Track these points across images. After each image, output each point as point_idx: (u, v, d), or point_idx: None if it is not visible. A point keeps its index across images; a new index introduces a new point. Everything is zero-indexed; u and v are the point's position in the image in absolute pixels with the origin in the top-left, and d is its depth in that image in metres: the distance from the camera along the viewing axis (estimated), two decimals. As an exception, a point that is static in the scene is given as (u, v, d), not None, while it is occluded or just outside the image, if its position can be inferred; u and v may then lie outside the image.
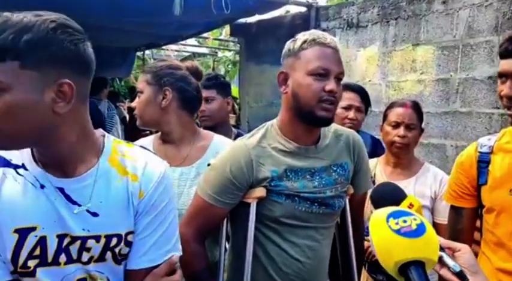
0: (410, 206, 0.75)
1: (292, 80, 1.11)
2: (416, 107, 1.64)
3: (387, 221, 0.66)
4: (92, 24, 3.65)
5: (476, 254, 1.23)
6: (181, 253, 0.87)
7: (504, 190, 1.13)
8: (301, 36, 1.12)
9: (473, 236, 1.27)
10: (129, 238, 0.80)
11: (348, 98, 1.78)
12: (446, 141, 2.77)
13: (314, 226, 1.15)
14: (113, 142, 0.84)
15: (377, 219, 0.68)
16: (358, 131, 1.94)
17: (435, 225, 1.55)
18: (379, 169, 1.68)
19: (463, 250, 0.70)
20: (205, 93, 1.72)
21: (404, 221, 0.65)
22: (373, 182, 1.65)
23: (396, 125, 1.59)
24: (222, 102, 1.92)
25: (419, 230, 0.65)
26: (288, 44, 1.14)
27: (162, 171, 0.84)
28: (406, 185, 1.60)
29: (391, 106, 1.67)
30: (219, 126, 1.85)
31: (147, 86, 1.30)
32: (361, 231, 1.33)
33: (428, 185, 1.58)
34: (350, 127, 1.77)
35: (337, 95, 1.08)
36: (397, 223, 0.65)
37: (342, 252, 1.30)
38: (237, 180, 1.10)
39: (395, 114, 1.61)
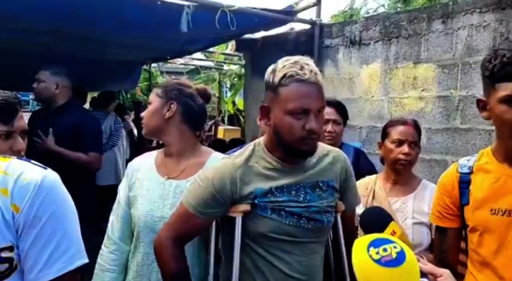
0: (393, 233, 0.78)
1: (273, 116, 1.12)
2: (416, 125, 1.68)
3: (368, 250, 0.69)
4: (99, 38, 3.78)
5: (462, 276, 1.26)
6: (87, 261, 0.85)
7: (485, 210, 1.16)
8: (281, 68, 1.09)
9: (458, 256, 1.29)
10: (5, 254, 0.77)
11: (325, 112, 1.82)
12: (447, 157, 2.81)
13: (304, 242, 1.17)
14: None
15: (358, 249, 0.70)
16: (342, 144, 2.00)
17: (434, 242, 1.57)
18: (378, 186, 1.71)
19: (445, 275, 0.73)
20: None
21: (385, 250, 0.68)
22: (373, 198, 1.69)
23: (400, 143, 1.61)
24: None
25: (399, 259, 0.67)
26: (268, 74, 1.12)
27: (38, 180, 0.79)
28: (405, 201, 1.64)
29: (391, 124, 1.70)
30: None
31: (157, 98, 1.41)
32: None
33: (427, 202, 1.61)
34: (329, 140, 1.84)
35: (318, 130, 1.09)
36: (377, 253, 0.68)
37: (336, 268, 1.32)
38: (220, 195, 1.14)
39: (399, 132, 1.63)
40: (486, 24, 2.54)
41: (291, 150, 1.13)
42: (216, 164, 1.23)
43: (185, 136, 1.40)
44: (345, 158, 1.28)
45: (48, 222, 0.79)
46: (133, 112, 6.24)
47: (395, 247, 0.69)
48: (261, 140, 1.22)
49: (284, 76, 1.07)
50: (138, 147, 4.57)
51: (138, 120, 5.57)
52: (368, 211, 0.97)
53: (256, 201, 1.14)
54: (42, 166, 0.84)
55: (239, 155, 1.20)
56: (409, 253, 0.69)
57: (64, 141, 2.51)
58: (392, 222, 0.85)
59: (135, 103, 6.35)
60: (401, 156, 1.61)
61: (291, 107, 1.07)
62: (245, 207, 1.14)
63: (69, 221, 0.82)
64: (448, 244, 1.28)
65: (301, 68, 1.08)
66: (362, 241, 0.71)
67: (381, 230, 0.80)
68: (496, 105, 1.09)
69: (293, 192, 1.16)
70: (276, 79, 1.09)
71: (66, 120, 2.55)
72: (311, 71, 1.08)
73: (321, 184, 1.19)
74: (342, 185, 1.26)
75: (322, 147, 1.26)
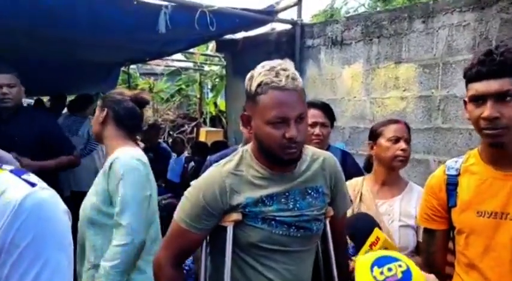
0: (377, 239, 0.75)
1: (254, 125, 1.10)
2: (407, 124, 1.70)
3: (371, 271, 0.65)
4: (76, 39, 3.66)
5: (450, 277, 1.25)
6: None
7: (472, 212, 1.16)
8: (257, 76, 1.06)
9: (446, 258, 1.29)
10: None
11: (312, 115, 1.82)
12: (429, 156, 2.82)
13: (293, 250, 1.15)
14: None
15: (361, 270, 0.67)
16: (329, 146, 1.99)
17: (419, 245, 1.56)
18: (365, 188, 1.68)
19: (431, 279, 0.70)
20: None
21: (389, 269, 0.65)
22: (360, 200, 1.66)
23: (397, 140, 1.62)
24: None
25: (406, 278, 0.64)
26: (246, 82, 1.10)
27: (17, 201, 0.69)
28: (392, 204, 1.62)
29: (383, 124, 1.70)
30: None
31: (98, 107, 1.67)
32: (344, 252, 1.33)
33: (413, 205, 1.59)
34: (317, 143, 1.82)
35: (298, 138, 1.05)
36: (381, 273, 0.64)
37: (325, 274, 1.30)
38: (211, 207, 1.11)
39: (393, 130, 1.63)
40: (466, 24, 2.56)
41: (274, 158, 1.10)
42: (204, 174, 1.19)
43: (116, 137, 1.61)
44: (335, 162, 1.26)
45: (27, 250, 0.68)
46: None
47: (400, 266, 0.66)
48: (248, 147, 1.19)
49: (260, 84, 1.05)
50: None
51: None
52: (352, 219, 0.95)
53: (247, 210, 1.11)
54: (32, 182, 0.73)
55: (227, 163, 1.17)
56: (415, 271, 0.65)
57: (27, 148, 2.30)
58: (376, 229, 0.81)
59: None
60: (399, 152, 1.61)
61: (268, 117, 1.04)
62: (237, 216, 1.12)
63: (53, 249, 0.71)
64: (435, 245, 1.27)
65: (277, 74, 1.04)
66: (365, 261, 0.67)
67: (366, 237, 0.76)
68: (468, 104, 1.13)
69: (282, 200, 1.13)
70: (253, 87, 1.07)
71: (31, 128, 2.38)
72: (287, 76, 1.04)
73: (309, 191, 1.17)
74: (332, 190, 1.24)
75: (313, 151, 1.24)
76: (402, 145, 1.61)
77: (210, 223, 1.13)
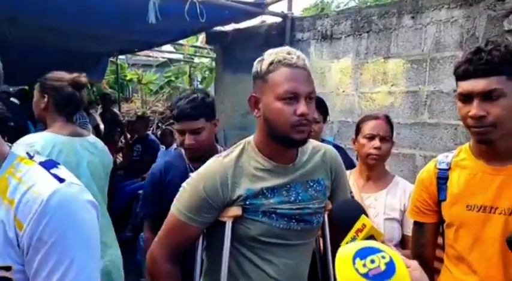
0: (363, 226, 0.75)
1: (263, 105, 1.08)
2: (388, 120, 1.70)
3: (353, 263, 0.62)
4: (64, 29, 3.59)
5: (438, 271, 1.27)
6: None
7: (461, 206, 1.18)
8: (268, 57, 1.08)
9: (435, 251, 1.31)
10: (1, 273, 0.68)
11: None
12: (415, 151, 2.86)
13: (293, 244, 1.14)
14: (16, 159, 0.74)
15: (342, 260, 0.64)
16: (322, 140, 1.99)
17: (404, 237, 1.59)
18: (351, 182, 1.69)
19: (413, 266, 0.71)
20: (190, 125, 1.55)
21: (372, 261, 0.61)
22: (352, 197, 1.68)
23: (371, 138, 1.62)
24: (210, 127, 1.61)
25: (389, 271, 0.61)
26: (256, 65, 1.10)
27: (45, 196, 0.68)
28: (377, 197, 1.65)
29: (364, 119, 1.71)
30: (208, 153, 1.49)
31: (37, 92, 1.71)
32: None
33: (398, 198, 1.62)
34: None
35: (309, 116, 1.05)
36: (364, 265, 0.61)
37: (322, 268, 1.30)
38: (212, 199, 1.08)
39: (370, 127, 1.64)
40: (454, 20, 2.59)
41: (283, 140, 1.08)
42: (204, 165, 1.15)
43: (54, 120, 1.69)
44: (336, 155, 1.25)
45: (55, 247, 0.68)
46: (100, 106, 5.98)
47: (383, 257, 0.62)
48: (251, 138, 1.17)
49: (272, 62, 1.06)
50: (105, 142, 4.40)
51: (105, 115, 5.38)
52: (338, 204, 0.95)
53: (247, 202, 1.09)
54: (61, 177, 0.72)
55: (228, 155, 1.14)
56: (399, 263, 0.63)
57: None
58: (363, 215, 0.81)
59: (102, 97, 6.06)
60: (372, 150, 1.61)
61: (280, 91, 1.04)
62: (236, 211, 1.09)
63: (79, 248, 0.71)
64: (425, 238, 1.30)
65: (289, 53, 1.07)
66: (347, 252, 0.64)
67: (352, 225, 0.76)
68: (457, 101, 1.15)
69: (284, 192, 1.12)
70: (264, 66, 1.07)
71: None
72: (298, 56, 1.07)
73: (311, 183, 1.16)
74: (333, 183, 1.23)
75: (313, 144, 1.23)
76: (376, 143, 1.61)
77: (210, 216, 1.10)
